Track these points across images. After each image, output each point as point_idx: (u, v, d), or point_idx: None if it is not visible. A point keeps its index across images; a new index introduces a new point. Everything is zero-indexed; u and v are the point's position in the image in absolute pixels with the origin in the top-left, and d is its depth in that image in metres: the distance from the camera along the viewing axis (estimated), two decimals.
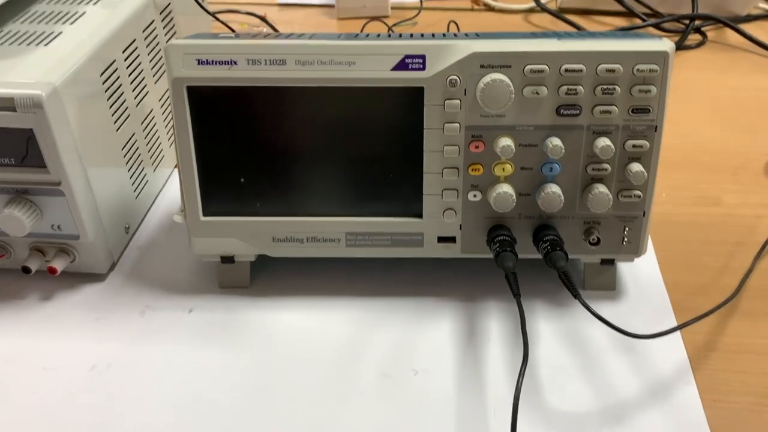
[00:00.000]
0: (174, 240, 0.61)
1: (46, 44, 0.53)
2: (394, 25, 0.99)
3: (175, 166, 0.70)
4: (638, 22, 0.95)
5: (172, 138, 0.69)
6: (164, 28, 0.66)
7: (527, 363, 0.44)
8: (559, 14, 1.01)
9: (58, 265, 0.54)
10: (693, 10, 0.93)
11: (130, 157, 0.60)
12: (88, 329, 0.53)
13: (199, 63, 0.48)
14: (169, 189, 0.67)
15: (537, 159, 0.50)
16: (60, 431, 0.45)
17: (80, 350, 0.51)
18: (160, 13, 0.65)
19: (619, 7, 0.98)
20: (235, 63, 0.48)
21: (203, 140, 0.50)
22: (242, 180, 0.52)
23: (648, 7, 0.96)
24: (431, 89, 0.48)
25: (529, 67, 0.47)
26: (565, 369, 0.49)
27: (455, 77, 0.47)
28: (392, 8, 1.04)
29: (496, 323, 0.53)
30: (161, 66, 0.65)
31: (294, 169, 0.51)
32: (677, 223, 0.63)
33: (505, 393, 0.47)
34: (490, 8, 1.05)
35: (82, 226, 0.53)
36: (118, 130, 0.57)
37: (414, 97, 0.48)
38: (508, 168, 0.50)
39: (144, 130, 0.62)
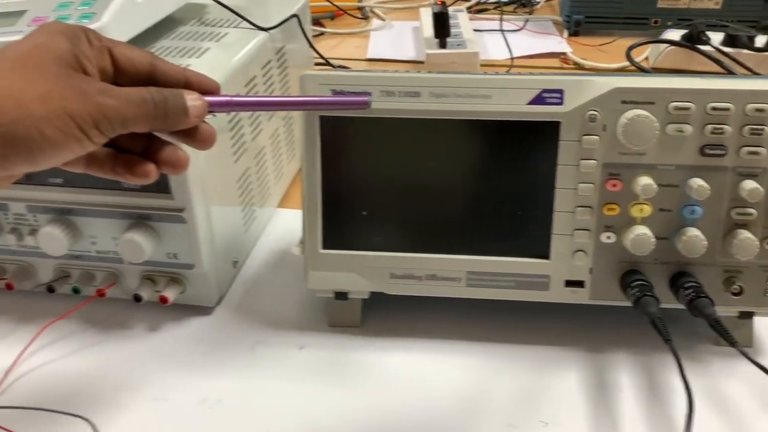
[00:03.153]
0: (279, 277, 0.60)
1: None
2: None
3: (278, 206, 0.70)
4: None
5: (279, 176, 0.69)
6: (279, 67, 0.67)
7: (694, 413, 0.40)
8: (653, 74, 0.99)
9: (170, 294, 0.53)
10: None
11: (243, 191, 0.59)
12: (197, 363, 0.51)
13: (335, 93, 0.48)
14: (273, 228, 0.67)
15: (677, 200, 0.47)
16: None
17: (190, 383, 0.49)
18: (276, 53, 0.66)
19: (715, 68, 0.96)
20: (369, 94, 0.48)
21: (330, 171, 0.50)
22: (364, 213, 0.50)
23: (747, 68, 0.94)
24: (568, 124, 0.47)
25: (673, 104, 0.45)
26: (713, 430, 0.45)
27: (595, 112, 0.46)
28: (482, 65, 1.04)
29: (627, 376, 0.49)
30: None
31: (418, 203, 0.50)
32: None
33: None
34: (580, 67, 1.05)
35: (199, 255, 0.52)
36: (235, 162, 0.57)
37: (549, 132, 0.47)
38: (647, 209, 0.47)
39: (256, 166, 0.62)
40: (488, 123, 0.47)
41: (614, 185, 0.47)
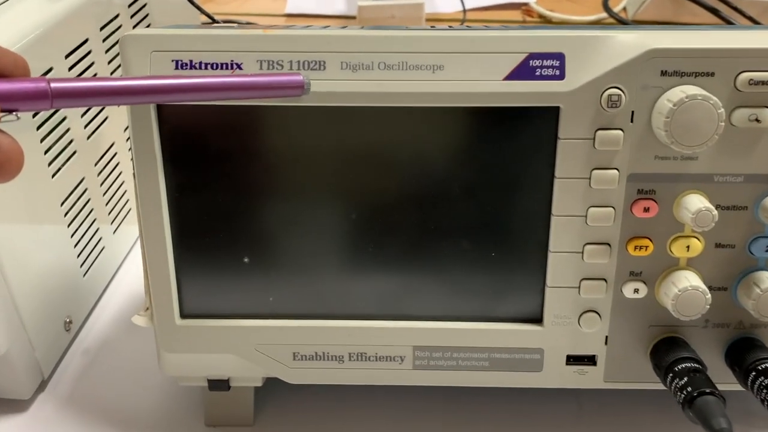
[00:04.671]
0: (139, 341, 0.40)
1: None
2: None
3: None
4: None
5: None
6: (135, 27, 0.46)
7: None
8: (635, 27, 0.82)
9: None
10: None
11: (76, 215, 0.39)
12: None
13: (178, 66, 0.28)
14: (137, 256, 0.47)
15: (743, 230, 0.30)
16: None
17: None
18: (129, 6, 0.46)
19: (710, 19, 0.80)
20: (239, 67, 0.28)
21: (182, 194, 0.30)
22: (246, 260, 0.31)
23: (750, 18, 0.77)
24: (573, 112, 0.28)
25: (746, 75, 0.27)
26: None
27: (617, 92, 0.28)
28: (427, 19, 0.86)
29: None
30: None
31: (332, 242, 0.31)
32: None
33: None
34: (546, 20, 0.87)
35: None
36: (55, 175, 0.37)
37: (542, 124, 0.29)
38: (696, 245, 0.30)
39: (99, 174, 0.42)
40: (439, 112, 0.29)
41: (647, 209, 0.29)
